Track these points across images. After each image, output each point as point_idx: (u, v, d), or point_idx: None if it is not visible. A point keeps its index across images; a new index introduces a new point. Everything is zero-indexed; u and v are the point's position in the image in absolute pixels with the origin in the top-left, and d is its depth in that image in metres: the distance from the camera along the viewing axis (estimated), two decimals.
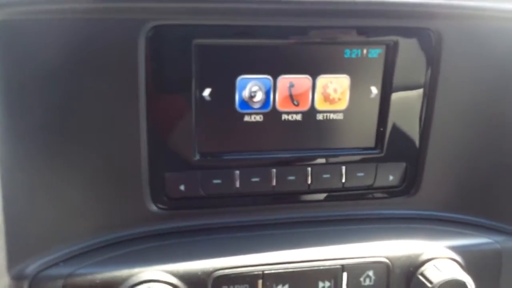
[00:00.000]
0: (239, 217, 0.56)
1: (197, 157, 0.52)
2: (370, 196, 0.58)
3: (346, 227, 0.57)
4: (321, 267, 0.53)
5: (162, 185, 0.53)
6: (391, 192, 0.58)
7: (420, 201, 0.59)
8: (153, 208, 0.53)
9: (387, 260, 0.54)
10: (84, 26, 0.46)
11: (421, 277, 0.53)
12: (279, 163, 0.55)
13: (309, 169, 0.55)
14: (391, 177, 0.57)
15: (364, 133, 0.56)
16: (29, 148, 0.47)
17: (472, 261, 0.55)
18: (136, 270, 0.49)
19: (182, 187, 0.53)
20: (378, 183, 0.57)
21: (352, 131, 0.56)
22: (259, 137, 0.54)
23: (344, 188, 0.57)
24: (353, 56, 0.54)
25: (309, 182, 0.56)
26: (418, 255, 0.55)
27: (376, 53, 0.54)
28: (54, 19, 0.45)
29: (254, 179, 0.54)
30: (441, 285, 0.52)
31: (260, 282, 0.51)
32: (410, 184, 0.58)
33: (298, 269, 0.52)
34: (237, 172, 0.54)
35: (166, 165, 0.52)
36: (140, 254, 0.51)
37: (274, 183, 0.55)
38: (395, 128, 0.56)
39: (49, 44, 0.45)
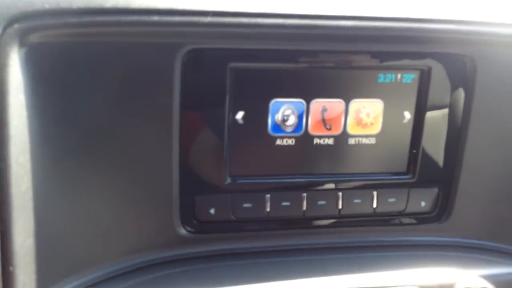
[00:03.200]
0: (269, 242, 0.55)
1: (228, 180, 0.52)
2: (401, 222, 0.57)
3: (376, 254, 0.56)
4: None
5: (192, 208, 0.52)
6: (422, 218, 0.57)
7: (452, 228, 0.58)
8: (183, 231, 0.53)
9: None
10: (121, 50, 0.46)
11: None
12: (310, 188, 0.54)
13: (340, 193, 0.55)
14: (423, 203, 0.57)
15: (396, 158, 0.56)
16: (62, 171, 0.47)
17: None
18: None
19: (212, 211, 0.53)
20: (409, 209, 0.56)
21: (384, 156, 0.55)
22: (290, 161, 0.53)
23: (375, 214, 0.56)
24: (387, 81, 0.54)
25: (340, 207, 0.55)
26: (451, 285, 0.54)
27: (410, 78, 0.54)
28: (90, 42, 0.45)
29: (284, 203, 0.54)
30: None
31: None
32: (442, 210, 0.57)
33: None
34: (268, 196, 0.53)
35: (197, 188, 0.52)
36: (168, 279, 0.51)
37: (304, 207, 0.54)
38: (427, 153, 0.55)
39: (83, 65, 0.45)
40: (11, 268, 0.43)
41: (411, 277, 0.53)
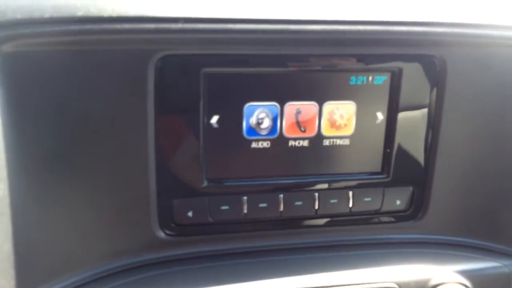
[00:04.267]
0: (247, 243, 0.56)
1: (205, 183, 0.53)
2: (377, 220, 0.58)
3: (353, 252, 0.57)
4: None
5: (170, 211, 0.53)
6: (398, 216, 0.59)
7: (428, 225, 0.59)
8: (161, 234, 0.53)
9: (396, 286, 0.54)
10: (93, 56, 0.47)
11: None
12: (286, 189, 0.55)
13: (317, 194, 0.56)
14: (398, 202, 0.58)
15: (370, 158, 0.57)
16: (39, 177, 0.48)
17: (480, 285, 0.55)
18: None
19: (190, 214, 0.53)
20: (385, 208, 0.57)
21: (359, 156, 0.56)
22: (266, 163, 0.54)
23: (351, 213, 0.57)
24: (359, 83, 0.55)
25: (317, 207, 0.56)
26: (427, 280, 0.55)
27: (381, 80, 0.55)
28: (62, 50, 0.46)
29: (261, 205, 0.54)
30: None
31: None
32: (417, 208, 0.58)
33: None
34: (245, 198, 0.54)
35: (174, 191, 0.53)
36: (147, 281, 0.51)
37: (281, 208, 0.55)
38: (401, 153, 0.57)
39: (57, 73, 0.46)
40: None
41: (388, 274, 0.54)
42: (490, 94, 0.56)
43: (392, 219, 0.58)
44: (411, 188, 0.58)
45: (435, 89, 0.55)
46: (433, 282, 0.54)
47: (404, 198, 0.58)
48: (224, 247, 0.56)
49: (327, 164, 0.56)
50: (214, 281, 0.51)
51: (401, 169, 0.57)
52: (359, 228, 0.58)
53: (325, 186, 0.56)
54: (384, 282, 0.54)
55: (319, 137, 0.55)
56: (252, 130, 0.54)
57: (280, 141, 0.54)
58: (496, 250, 0.59)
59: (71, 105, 0.47)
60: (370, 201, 0.57)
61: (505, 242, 0.59)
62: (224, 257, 0.55)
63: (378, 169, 0.57)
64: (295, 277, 0.53)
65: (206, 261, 0.54)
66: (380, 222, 0.58)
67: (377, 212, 0.57)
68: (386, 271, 0.55)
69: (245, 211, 0.54)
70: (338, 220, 0.57)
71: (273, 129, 0.54)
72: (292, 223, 0.56)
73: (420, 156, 0.57)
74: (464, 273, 0.56)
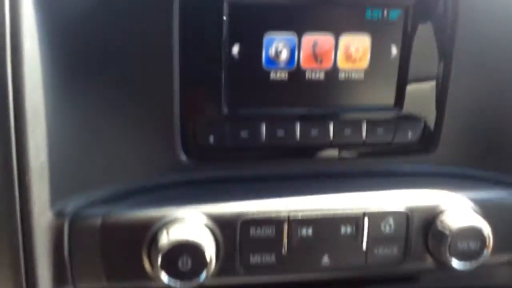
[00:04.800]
0: (265, 170, 0.59)
1: (226, 110, 0.56)
2: (389, 152, 0.61)
3: (365, 180, 0.60)
4: (344, 214, 0.56)
5: (193, 135, 0.56)
6: (410, 149, 0.61)
7: (439, 157, 0.61)
8: (184, 157, 0.57)
9: (406, 210, 0.56)
10: None
11: (439, 226, 0.55)
12: (302, 118, 0.58)
13: (331, 124, 0.58)
14: (410, 134, 0.60)
15: (384, 92, 0.59)
16: (71, 95, 0.51)
17: (490, 213, 0.57)
18: (170, 210, 0.53)
19: (211, 138, 0.56)
20: (397, 140, 0.60)
21: (373, 90, 0.59)
22: (284, 93, 0.57)
23: (364, 144, 0.59)
24: (374, 17, 0.57)
25: (331, 137, 0.59)
26: (437, 206, 0.57)
27: (396, 14, 0.57)
28: None
29: (279, 132, 0.57)
30: (458, 232, 0.54)
31: (285, 225, 0.54)
32: (428, 140, 0.61)
33: (322, 215, 0.55)
34: (263, 125, 0.57)
35: (197, 117, 0.56)
36: (173, 198, 0.55)
37: (298, 137, 0.58)
38: (413, 87, 0.59)
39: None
40: (26, 178, 0.48)
41: (399, 199, 0.57)
42: (505, 29, 0.58)
43: (404, 151, 0.61)
44: (423, 121, 0.60)
45: (448, 24, 0.57)
46: (442, 207, 0.57)
47: (416, 131, 0.60)
48: (243, 172, 0.59)
49: (342, 97, 0.58)
50: (234, 200, 0.54)
51: (414, 103, 0.59)
52: (371, 159, 0.61)
53: (339, 117, 0.58)
54: (395, 205, 0.56)
55: (335, 69, 0.57)
56: (271, 61, 0.56)
57: (297, 72, 0.57)
58: (508, 181, 0.61)
59: (101, 27, 0.50)
60: (382, 133, 0.59)
61: None
62: (243, 181, 0.58)
63: (391, 102, 0.59)
64: (311, 198, 0.56)
65: (227, 183, 0.57)
66: (392, 154, 0.61)
67: (389, 144, 0.60)
68: (395, 197, 0.57)
69: (263, 138, 0.57)
70: (352, 150, 0.60)
71: (290, 60, 0.57)
72: (308, 151, 0.59)
73: (432, 90, 0.59)
74: (474, 200, 0.58)
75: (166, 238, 0.51)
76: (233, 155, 0.58)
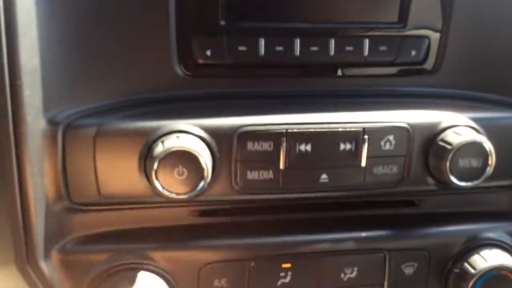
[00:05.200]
0: (263, 87, 0.57)
1: (223, 22, 0.54)
2: (392, 72, 0.59)
3: (368, 99, 0.58)
4: (343, 129, 0.54)
5: (189, 49, 0.54)
6: (413, 68, 0.59)
7: (443, 78, 0.59)
8: (180, 72, 0.55)
9: (407, 126, 0.55)
10: None
11: (440, 142, 0.54)
12: (303, 33, 0.56)
13: (332, 40, 0.56)
14: (413, 52, 0.58)
15: (387, 7, 0.57)
16: (66, 4, 0.50)
17: (492, 132, 0.56)
18: (166, 122, 0.52)
19: (208, 52, 0.55)
20: (400, 59, 0.58)
21: (376, 5, 0.56)
22: (284, 7, 0.55)
23: (366, 62, 0.58)
24: None
25: (332, 53, 0.57)
26: (438, 123, 0.56)
27: None
28: None
29: (278, 48, 0.55)
30: (460, 147, 0.53)
31: (283, 139, 0.53)
32: (432, 60, 0.58)
33: (321, 130, 0.54)
34: (262, 39, 0.55)
35: (193, 29, 0.54)
36: (169, 111, 0.54)
37: (297, 52, 0.56)
38: (418, 2, 0.57)
39: None
40: (18, 82, 0.46)
41: (400, 116, 0.55)
42: None
43: (407, 71, 0.59)
44: (427, 39, 0.58)
45: None
46: (444, 124, 0.55)
47: (420, 49, 0.58)
48: (241, 89, 0.57)
49: (344, 12, 0.56)
50: (232, 114, 0.53)
51: (418, 19, 0.57)
52: (373, 79, 0.59)
53: (341, 33, 0.56)
54: (396, 122, 0.55)
55: None
56: None
57: None
58: (510, 103, 0.60)
59: None
60: (385, 51, 0.57)
61: None
62: (241, 97, 0.57)
63: (395, 18, 0.57)
64: (310, 114, 0.54)
65: (224, 99, 0.56)
66: (395, 74, 0.59)
67: (392, 63, 0.58)
68: (399, 113, 0.56)
69: (262, 53, 0.55)
70: (353, 68, 0.58)
71: None
72: (308, 68, 0.57)
73: (437, 6, 0.57)
74: (476, 119, 0.56)
75: (162, 147, 0.50)
76: (230, 70, 0.56)
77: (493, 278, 0.58)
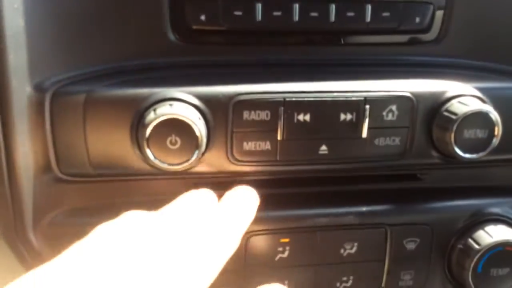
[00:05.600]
0: (260, 55, 0.55)
1: None
2: (396, 40, 0.57)
3: (370, 68, 0.56)
4: (343, 99, 0.52)
5: (183, 14, 0.52)
6: (418, 36, 0.56)
7: (448, 47, 0.57)
8: (173, 38, 0.52)
9: (411, 95, 0.53)
10: None
11: (445, 112, 0.52)
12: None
13: (333, 5, 0.54)
14: (417, 19, 0.55)
15: None
16: None
17: (498, 102, 0.54)
18: (158, 89, 0.49)
19: (202, 17, 0.52)
20: (404, 25, 0.55)
21: None
22: None
23: (368, 29, 0.55)
24: None
25: (332, 19, 0.54)
26: (443, 93, 0.53)
27: None
28: None
29: (276, 13, 0.53)
30: (465, 117, 0.51)
31: (281, 109, 0.51)
32: (437, 28, 0.56)
33: (320, 99, 0.52)
34: (259, 4, 0.52)
35: None
36: (162, 78, 0.51)
37: (296, 18, 0.53)
38: None
39: None
40: (1, 45, 0.44)
41: (403, 85, 0.53)
42: None
43: (412, 39, 0.56)
44: (432, 6, 0.55)
45: None
46: (448, 94, 0.53)
47: (425, 16, 0.55)
48: (238, 57, 0.55)
49: None
50: (227, 81, 0.51)
51: None
52: (375, 47, 0.56)
53: None
54: (399, 91, 0.53)
55: None
56: None
57: None
58: None
59: None
60: (388, 16, 0.54)
61: None
62: (238, 65, 0.55)
63: None
64: (309, 82, 0.52)
65: (220, 67, 0.54)
66: (399, 43, 0.56)
67: (395, 31, 0.56)
68: (402, 83, 0.53)
69: (259, 18, 0.53)
70: (354, 36, 0.56)
71: None
72: (307, 35, 0.55)
73: None
74: (481, 89, 0.54)
75: (153, 115, 0.48)
76: (226, 37, 0.54)
77: (498, 254, 0.56)
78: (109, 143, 0.50)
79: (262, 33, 0.54)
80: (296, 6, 0.53)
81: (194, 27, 0.52)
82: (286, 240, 0.55)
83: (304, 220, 0.56)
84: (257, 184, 0.55)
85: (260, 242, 0.55)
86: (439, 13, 0.56)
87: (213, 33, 0.53)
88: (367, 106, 0.52)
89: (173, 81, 0.51)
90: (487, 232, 0.57)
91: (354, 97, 0.52)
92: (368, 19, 0.54)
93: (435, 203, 0.59)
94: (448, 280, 0.61)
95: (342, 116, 0.52)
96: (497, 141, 0.52)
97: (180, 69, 0.53)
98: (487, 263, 0.57)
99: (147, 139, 0.47)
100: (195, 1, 0.51)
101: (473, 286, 0.58)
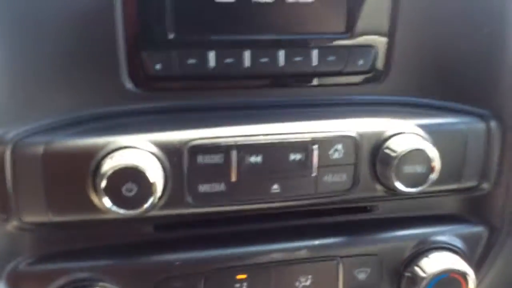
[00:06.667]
0: (214, 99, 0.58)
1: (172, 35, 0.54)
2: (341, 81, 0.60)
3: (318, 109, 0.59)
4: (293, 140, 0.55)
5: (139, 63, 0.54)
6: (361, 77, 0.60)
7: (390, 86, 0.61)
8: (130, 86, 0.55)
9: (355, 135, 0.56)
10: None
11: (386, 150, 0.56)
12: (252, 45, 0.56)
13: (282, 52, 0.57)
14: (361, 61, 0.59)
15: (334, 18, 0.58)
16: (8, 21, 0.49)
17: (436, 137, 0.58)
18: (114, 138, 0.52)
19: (158, 66, 0.55)
20: (348, 68, 0.59)
21: (323, 16, 0.57)
22: (232, 19, 0.55)
23: (315, 73, 0.59)
24: None
25: (282, 64, 0.57)
26: (385, 131, 0.57)
27: None
28: None
29: (228, 60, 0.56)
30: (404, 154, 0.54)
31: (233, 152, 0.54)
32: (379, 68, 0.60)
33: (270, 141, 0.55)
34: (212, 52, 0.56)
35: (142, 43, 0.54)
36: (119, 126, 0.53)
37: (247, 64, 0.57)
38: (364, 13, 0.58)
39: None
40: None
41: (348, 125, 0.57)
42: None
43: (356, 80, 0.60)
44: (374, 48, 0.59)
45: None
46: (390, 132, 0.57)
47: (367, 58, 0.59)
48: (192, 102, 0.57)
49: (291, 23, 0.57)
50: (182, 127, 0.53)
51: (364, 29, 0.58)
52: (322, 89, 0.60)
53: (290, 44, 0.57)
54: (342, 132, 0.56)
55: None
56: None
57: None
58: (455, 109, 0.61)
59: None
60: (333, 60, 0.58)
61: (463, 101, 0.61)
62: (192, 111, 0.57)
63: (342, 29, 0.58)
64: (259, 125, 0.55)
65: (174, 113, 0.56)
66: (344, 84, 0.60)
67: (341, 73, 0.59)
68: (346, 123, 0.57)
69: (212, 65, 0.56)
70: (302, 79, 0.59)
71: None
72: (257, 80, 0.58)
73: (383, 16, 0.58)
74: (421, 126, 0.58)
75: (109, 163, 0.50)
76: (181, 83, 0.56)
77: (444, 281, 0.60)
78: (68, 191, 0.52)
79: (215, 79, 0.57)
80: (247, 53, 0.56)
81: (150, 75, 0.55)
82: (243, 276, 0.58)
83: (259, 256, 0.58)
84: (211, 223, 0.58)
85: (218, 280, 0.57)
86: (381, 55, 0.60)
87: (168, 80, 0.56)
88: (315, 146, 0.56)
89: (129, 128, 0.53)
90: (432, 260, 0.61)
91: (302, 138, 0.55)
92: (315, 63, 0.58)
93: (382, 233, 0.62)
94: None
95: (292, 156, 0.56)
96: (436, 175, 0.56)
97: (136, 116, 0.55)
98: None
99: (104, 189, 0.49)
100: (150, 52, 0.54)
101: None
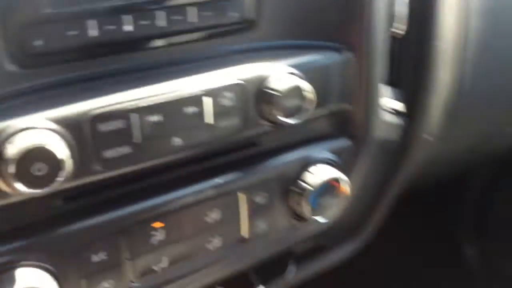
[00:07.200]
0: (101, 67, 0.58)
1: (48, 9, 0.53)
2: (220, 34, 0.65)
3: (202, 62, 0.64)
4: (187, 96, 0.60)
5: (17, 42, 0.52)
6: (234, 28, 0.66)
7: (264, 32, 0.67)
8: (13, 68, 0.53)
9: (240, 81, 0.63)
10: None
11: (268, 90, 0.64)
12: (130, 9, 0.57)
13: (162, 12, 0.59)
14: (235, 14, 0.64)
15: None
16: None
17: (307, 73, 0.67)
18: (11, 121, 0.51)
19: (37, 42, 0.53)
20: (225, 20, 0.64)
21: None
22: None
23: (195, 28, 0.62)
24: None
25: (161, 24, 0.60)
26: (265, 74, 0.64)
27: None
28: None
29: (108, 27, 0.56)
30: (284, 92, 0.63)
31: (134, 115, 0.57)
32: (251, 18, 0.66)
33: (166, 100, 0.59)
34: (90, 21, 0.55)
35: (19, 21, 0.52)
36: (12, 109, 0.52)
37: (129, 28, 0.58)
38: None
39: None
40: None
41: (233, 74, 0.63)
42: None
43: (230, 32, 0.65)
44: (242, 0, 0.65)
45: None
46: (269, 73, 0.64)
47: (238, 10, 0.64)
48: (78, 73, 0.57)
49: None
50: (77, 100, 0.54)
51: None
52: (203, 42, 0.64)
53: (167, 3, 0.59)
54: (230, 80, 0.62)
55: None
56: None
57: None
58: (320, 46, 0.70)
59: None
60: (210, 15, 0.62)
61: (325, 39, 0.71)
62: (81, 82, 0.57)
63: None
64: (152, 86, 0.58)
65: (63, 87, 0.56)
66: (222, 35, 0.65)
67: (218, 25, 0.64)
68: (230, 71, 0.63)
69: (93, 34, 0.56)
70: (185, 36, 0.62)
71: None
72: (140, 42, 0.60)
73: None
74: (294, 65, 0.66)
75: (12, 148, 0.49)
76: (64, 57, 0.56)
77: (325, 190, 0.72)
78: None
79: (99, 46, 0.57)
80: (128, 18, 0.57)
81: (30, 53, 0.53)
82: (161, 224, 0.63)
83: (170, 204, 0.64)
84: (120, 183, 0.61)
85: (137, 233, 0.62)
86: (250, 5, 0.65)
87: (51, 55, 0.55)
88: (207, 98, 0.61)
89: (24, 110, 0.52)
90: (313, 174, 0.72)
91: (196, 92, 0.60)
92: (193, 19, 0.61)
93: (272, 160, 0.71)
94: (293, 218, 0.75)
95: (189, 109, 0.60)
96: (311, 105, 0.66)
97: (27, 96, 0.54)
98: (319, 199, 0.73)
99: (13, 174, 0.49)
100: (28, 28, 0.52)
101: (311, 217, 0.73)
